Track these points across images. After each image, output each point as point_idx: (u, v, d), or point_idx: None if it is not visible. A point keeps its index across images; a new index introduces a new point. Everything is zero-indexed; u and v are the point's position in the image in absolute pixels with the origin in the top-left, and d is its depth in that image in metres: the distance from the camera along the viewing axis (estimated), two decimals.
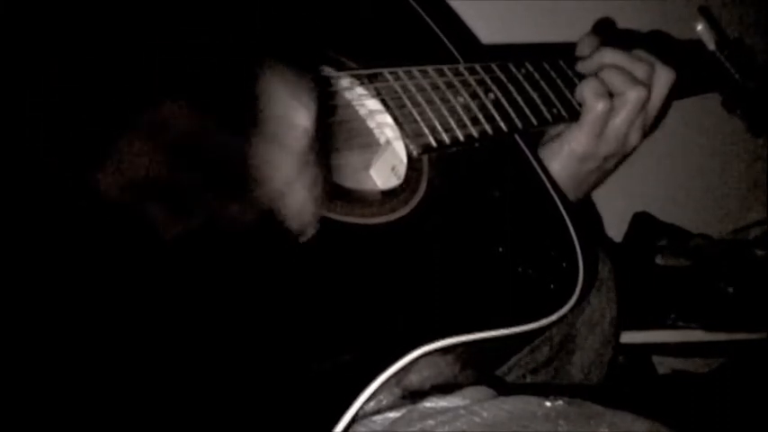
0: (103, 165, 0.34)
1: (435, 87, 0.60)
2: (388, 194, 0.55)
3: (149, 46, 0.36)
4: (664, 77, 0.69)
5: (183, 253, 0.39)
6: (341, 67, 0.59)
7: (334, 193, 0.51)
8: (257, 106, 0.37)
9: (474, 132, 0.60)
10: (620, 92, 0.67)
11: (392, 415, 0.50)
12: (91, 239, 0.36)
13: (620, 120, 0.67)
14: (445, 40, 0.70)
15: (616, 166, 0.72)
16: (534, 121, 0.65)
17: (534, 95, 0.66)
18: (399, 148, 0.58)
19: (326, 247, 0.47)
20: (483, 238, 0.56)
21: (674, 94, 0.71)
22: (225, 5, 0.39)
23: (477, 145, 0.60)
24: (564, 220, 0.62)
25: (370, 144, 0.59)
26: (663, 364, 1.21)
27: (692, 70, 0.88)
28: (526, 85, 0.66)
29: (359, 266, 0.48)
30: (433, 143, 0.57)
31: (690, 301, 1.11)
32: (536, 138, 0.70)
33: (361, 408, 0.43)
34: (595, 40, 0.74)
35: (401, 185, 0.56)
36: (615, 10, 1.14)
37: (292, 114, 0.38)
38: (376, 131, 0.60)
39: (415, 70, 0.60)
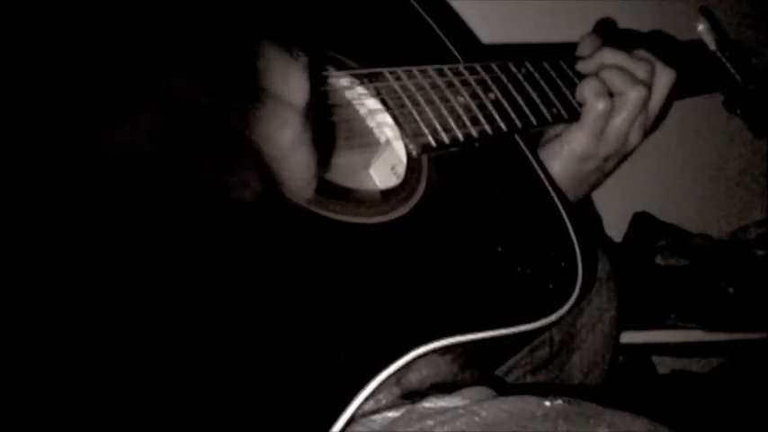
0: (115, 130, 0.35)
1: (435, 87, 0.60)
2: (388, 194, 0.55)
3: (148, 43, 0.36)
4: (664, 77, 0.69)
5: (186, 242, 0.39)
6: (341, 67, 0.59)
7: (334, 192, 0.51)
8: (257, 76, 0.38)
9: (473, 132, 0.60)
10: (621, 92, 0.67)
11: (391, 415, 0.50)
12: (91, 233, 0.36)
13: (620, 119, 0.67)
14: (445, 39, 0.70)
15: (616, 167, 0.72)
16: (534, 121, 0.64)
17: (534, 95, 0.66)
18: (399, 148, 0.58)
19: (326, 246, 0.47)
20: (482, 238, 0.56)
21: (675, 94, 0.71)
22: (225, 5, 0.39)
23: (476, 145, 0.60)
24: (563, 219, 0.62)
25: (369, 143, 0.59)
26: (663, 364, 1.21)
27: (693, 70, 0.88)
28: (526, 84, 0.66)
29: (358, 266, 0.48)
30: (433, 143, 0.57)
31: (690, 301, 1.11)
32: (536, 138, 0.70)
33: (360, 407, 0.43)
34: (596, 40, 0.74)
35: (400, 185, 0.56)
36: (616, 10, 1.14)
37: (292, 79, 0.39)
38: (376, 131, 0.60)
39: (415, 70, 0.60)
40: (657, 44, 0.74)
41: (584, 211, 0.88)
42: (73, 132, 0.35)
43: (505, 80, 0.65)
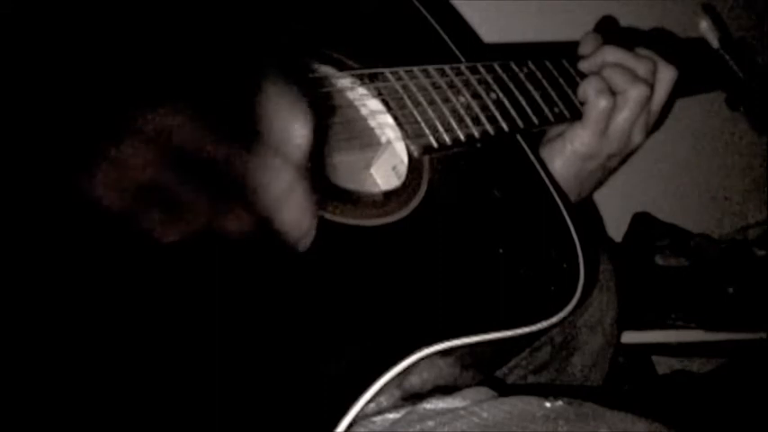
0: (100, 170, 0.34)
1: (437, 87, 0.60)
2: (389, 195, 0.55)
3: (148, 49, 0.35)
4: (666, 75, 0.69)
5: (180, 259, 0.38)
6: (342, 67, 0.58)
7: (335, 194, 0.51)
8: (257, 114, 0.37)
9: (475, 132, 0.59)
10: (623, 90, 0.67)
11: (392, 416, 0.50)
12: (86, 246, 0.36)
13: (622, 117, 0.67)
14: (447, 39, 0.69)
15: (618, 166, 0.72)
16: (536, 121, 0.64)
17: (536, 95, 0.65)
18: (400, 149, 0.58)
19: (326, 248, 0.47)
20: (484, 239, 0.56)
21: (677, 92, 0.71)
22: (225, 7, 0.39)
23: (478, 145, 0.60)
24: (565, 220, 0.62)
25: (370, 144, 0.59)
26: (663, 364, 1.21)
27: (696, 68, 0.88)
28: (528, 84, 0.66)
29: (359, 268, 0.48)
30: (434, 143, 0.57)
31: (690, 301, 1.11)
32: (538, 137, 0.70)
33: (362, 409, 0.43)
34: (597, 39, 0.74)
35: (402, 186, 0.56)
36: (618, 8, 1.14)
37: (291, 125, 0.38)
38: (377, 131, 0.59)
39: (416, 70, 0.60)
40: (659, 42, 0.74)
41: (586, 212, 0.88)
42: (68, 136, 0.34)
43: (507, 80, 0.64)
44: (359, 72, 0.58)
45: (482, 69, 0.64)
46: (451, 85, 0.60)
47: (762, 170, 1.38)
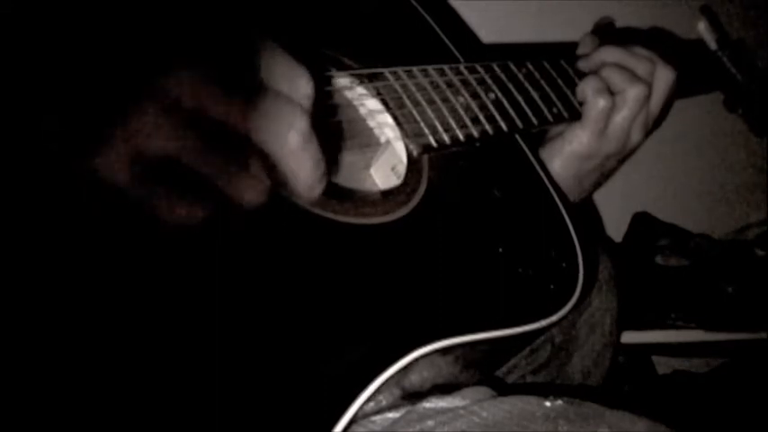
0: (110, 143, 0.34)
1: (436, 87, 0.60)
2: (388, 194, 0.55)
3: (150, 30, 0.36)
4: (664, 76, 0.69)
5: (187, 241, 0.39)
6: (341, 67, 0.58)
7: (335, 193, 0.51)
8: (263, 72, 0.37)
9: (474, 132, 0.59)
10: (621, 89, 0.67)
11: (391, 415, 0.50)
12: (93, 224, 0.36)
13: (621, 117, 0.67)
14: (446, 39, 0.69)
15: (618, 167, 0.72)
16: (535, 121, 0.64)
17: (535, 95, 0.66)
18: (399, 148, 0.58)
19: (326, 247, 0.47)
20: (483, 239, 0.56)
21: (675, 92, 0.71)
22: (226, 6, 0.39)
23: (477, 145, 0.60)
24: (564, 220, 0.62)
25: (370, 144, 0.59)
26: (663, 364, 1.21)
27: (694, 69, 0.88)
28: (527, 84, 0.66)
29: (358, 267, 0.48)
30: (433, 143, 0.57)
31: (690, 301, 1.11)
32: (537, 137, 0.70)
33: (361, 408, 0.43)
34: (596, 40, 0.74)
35: (401, 185, 0.56)
36: (616, 9, 1.14)
37: (296, 78, 0.39)
38: (376, 131, 0.59)
39: (415, 69, 0.60)
40: (657, 42, 0.74)
41: (586, 212, 0.88)
42: (76, 131, 0.34)
43: (506, 80, 0.64)
44: (358, 72, 0.58)
45: (481, 69, 0.64)
46: (450, 85, 0.61)
47: (761, 170, 1.38)
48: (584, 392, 0.61)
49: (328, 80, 0.57)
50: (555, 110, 0.66)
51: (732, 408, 1.05)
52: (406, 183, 0.56)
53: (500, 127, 0.62)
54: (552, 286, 0.56)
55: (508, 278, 0.55)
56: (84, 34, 0.35)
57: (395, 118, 0.57)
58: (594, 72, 0.69)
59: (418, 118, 0.57)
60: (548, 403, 0.49)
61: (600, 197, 1.15)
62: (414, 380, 0.50)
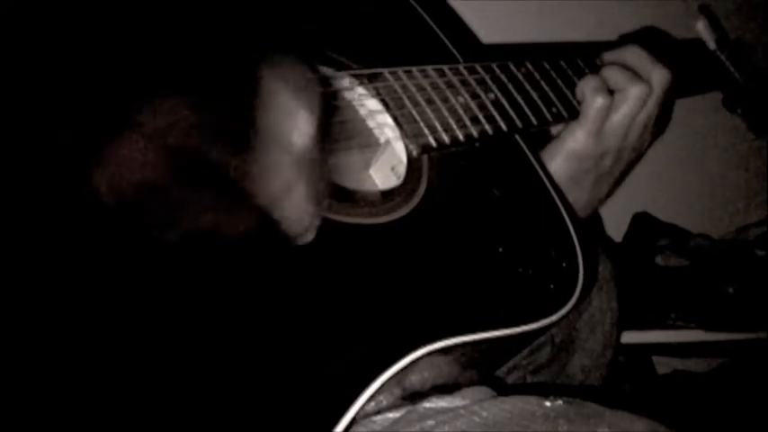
0: (102, 165, 0.34)
1: (435, 87, 0.60)
2: (388, 194, 0.55)
3: (151, 46, 0.36)
4: (660, 75, 0.69)
5: (180, 258, 0.38)
6: (341, 67, 0.59)
7: (334, 193, 0.51)
8: (259, 109, 0.37)
9: (474, 132, 0.59)
10: (622, 88, 0.67)
11: (392, 415, 0.50)
12: (87, 241, 0.36)
13: (620, 115, 0.67)
14: (445, 39, 0.70)
15: (622, 176, 0.71)
16: (534, 121, 0.64)
17: (534, 95, 0.66)
18: (399, 148, 0.58)
19: (326, 247, 0.47)
20: (483, 238, 0.56)
21: (674, 93, 0.71)
22: (226, 7, 0.39)
23: (477, 145, 0.60)
24: (564, 220, 0.62)
25: (369, 144, 0.59)
26: (663, 364, 1.21)
27: (693, 69, 0.88)
28: (526, 84, 0.66)
29: (358, 267, 0.48)
30: (433, 143, 0.57)
31: (690, 301, 1.11)
32: (537, 138, 0.70)
33: (362, 408, 0.43)
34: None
35: (401, 185, 0.56)
36: (616, 9, 1.14)
37: (294, 118, 0.38)
38: (376, 131, 0.60)
39: (415, 70, 0.60)
40: (653, 43, 0.74)
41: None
42: (72, 132, 0.34)
43: (505, 80, 0.64)
44: (358, 72, 0.58)
45: (480, 70, 0.64)
46: (450, 86, 0.61)
47: (761, 170, 1.38)
48: (585, 392, 0.61)
49: (328, 81, 0.57)
50: (554, 110, 0.66)
51: (732, 408, 1.05)
52: (405, 183, 0.56)
53: (499, 127, 0.62)
54: (552, 286, 0.56)
55: (508, 278, 0.55)
56: (84, 46, 0.35)
57: (394, 118, 0.58)
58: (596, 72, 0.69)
59: (418, 118, 0.58)
60: (548, 403, 0.49)
61: None
62: (414, 380, 0.50)
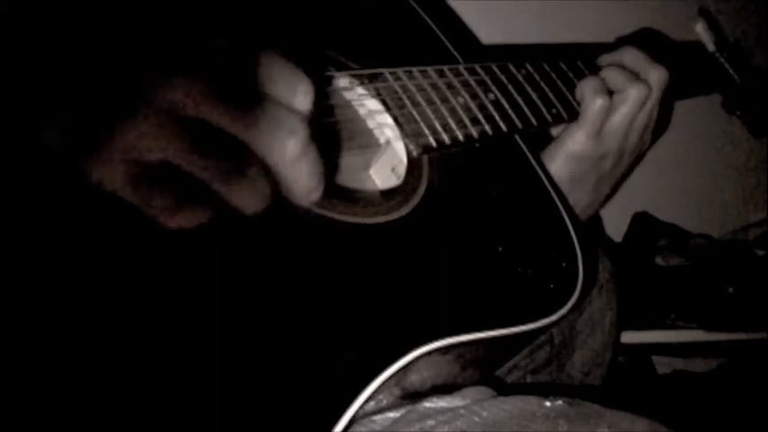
0: (108, 150, 0.34)
1: (435, 87, 0.60)
2: (388, 194, 0.55)
3: (150, 35, 0.36)
4: (657, 76, 0.69)
5: (186, 248, 0.39)
6: (341, 67, 0.59)
7: (335, 192, 0.51)
8: (261, 82, 0.37)
9: (474, 132, 0.60)
10: (621, 89, 0.67)
11: (392, 415, 0.50)
12: (92, 228, 0.36)
13: (620, 116, 0.67)
14: (445, 40, 0.70)
15: (623, 176, 0.71)
16: (534, 122, 0.65)
17: (534, 96, 0.66)
18: (399, 149, 0.58)
19: (326, 246, 0.47)
20: (483, 238, 0.56)
21: (671, 92, 0.71)
22: (226, 6, 0.39)
23: (476, 145, 0.60)
24: (564, 220, 0.62)
25: (369, 144, 0.59)
26: (663, 364, 1.21)
27: (692, 71, 0.89)
28: (526, 85, 0.66)
29: (358, 266, 0.48)
30: (433, 143, 0.58)
31: (690, 301, 1.11)
32: (537, 139, 0.70)
33: (361, 408, 0.43)
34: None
35: (401, 185, 0.56)
36: (616, 10, 1.14)
37: (295, 86, 0.38)
38: (376, 131, 0.60)
39: (415, 70, 0.60)
40: (651, 44, 0.74)
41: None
42: (73, 118, 0.34)
43: (505, 81, 0.65)
44: (357, 72, 0.58)
45: (480, 70, 0.64)
46: (450, 86, 0.61)
47: (761, 170, 1.38)
48: (585, 392, 0.61)
49: (328, 81, 0.57)
50: (554, 111, 0.67)
51: (732, 408, 1.05)
52: (405, 183, 0.56)
53: (499, 127, 0.62)
54: (552, 286, 0.56)
55: (508, 277, 0.55)
56: (85, 39, 0.35)
57: (395, 118, 0.58)
58: (595, 72, 0.69)
59: (418, 118, 0.58)
60: (548, 403, 0.49)
61: None
62: (414, 379, 0.50)
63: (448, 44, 0.70)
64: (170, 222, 0.36)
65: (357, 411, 0.42)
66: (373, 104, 0.59)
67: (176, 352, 0.39)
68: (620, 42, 0.74)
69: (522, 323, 0.53)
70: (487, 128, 0.61)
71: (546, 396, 0.50)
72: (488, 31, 1.02)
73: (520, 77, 0.66)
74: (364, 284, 0.48)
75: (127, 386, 0.37)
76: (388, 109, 0.58)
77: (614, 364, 0.79)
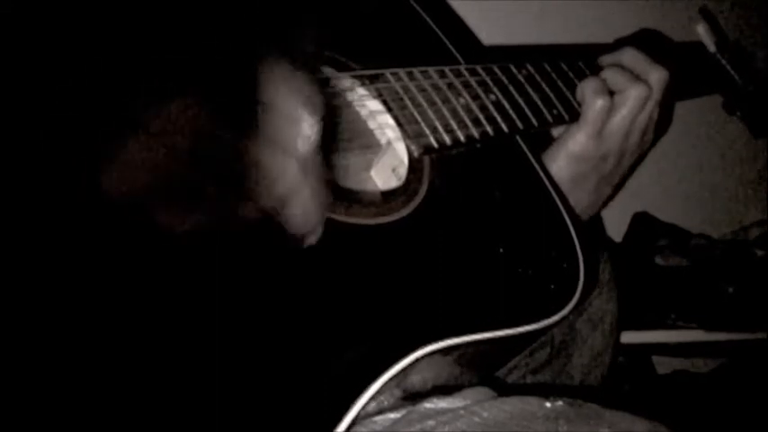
0: (109, 164, 0.34)
1: (436, 88, 0.60)
2: (389, 195, 0.55)
3: (157, 46, 0.36)
4: (658, 75, 0.69)
5: (187, 253, 0.39)
6: (342, 68, 0.59)
7: (336, 193, 0.51)
8: (263, 111, 0.37)
9: (475, 133, 0.60)
10: (622, 89, 0.67)
11: (392, 416, 0.50)
12: (95, 239, 0.37)
13: (620, 116, 0.67)
14: (446, 41, 0.70)
15: (624, 176, 0.71)
16: (535, 122, 0.65)
17: (535, 97, 0.66)
18: (400, 149, 0.58)
19: (327, 247, 0.47)
20: (484, 239, 0.56)
21: (671, 92, 0.71)
22: (228, 7, 0.39)
23: (478, 146, 0.60)
24: (564, 221, 0.62)
25: (371, 145, 0.59)
26: (663, 364, 1.21)
27: (693, 71, 0.89)
28: (527, 86, 0.66)
29: (360, 267, 0.48)
30: (435, 144, 0.58)
31: (690, 301, 1.11)
32: (538, 139, 0.70)
33: (363, 408, 0.43)
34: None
35: (402, 186, 0.56)
36: (616, 10, 1.14)
37: (298, 124, 0.38)
38: (377, 132, 0.60)
39: (416, 71, 0.60)
40: (651, 44, 0.75)
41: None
42: (78, 133, 0.34)
43: (506, 81, 0.65)
44: (359, 73, 0.58)
45: (481, 71, 0.64)
46: (451, 87, 0.61)
47: (761, 170, 1.38)
48: (585, 392, 0.61)
49: (329, 82, 0.57)
50: (555, 111, 0.67)
51: (732, 408, 1.05)
52: (407, 184, 0.56)
53: (500, 128, 0.62)
54: (553, 286, 0.57)
55: (509, 278, 0.55)
56: (92, 52, 0.35)
57: (396, 119, 0.58)
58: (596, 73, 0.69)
59: (419, 119, 0.58)
60: (548, 404, 0.49)
61: None
62: (415, 380, 0.51)
63: (449, 45, 0.70)
64: (173, 227, 0.36)
65: (359, 412, 0.42)
66: (374, 105, 0.59)
67: (180, 353, 0.39)
68: (621, 43, 0.74)
69: (523, 324, 0.53)
70: (489, 128, 0.61)
71: (546, 396, 0.50)
72: (489, 32, 1.02)
73: (521, 78, 0.66)
74: (366, 285, 0.48)
75: (132, 386, 0.37)
76: (390, 110, 0.58)
77: (614, 364, 0.79)
